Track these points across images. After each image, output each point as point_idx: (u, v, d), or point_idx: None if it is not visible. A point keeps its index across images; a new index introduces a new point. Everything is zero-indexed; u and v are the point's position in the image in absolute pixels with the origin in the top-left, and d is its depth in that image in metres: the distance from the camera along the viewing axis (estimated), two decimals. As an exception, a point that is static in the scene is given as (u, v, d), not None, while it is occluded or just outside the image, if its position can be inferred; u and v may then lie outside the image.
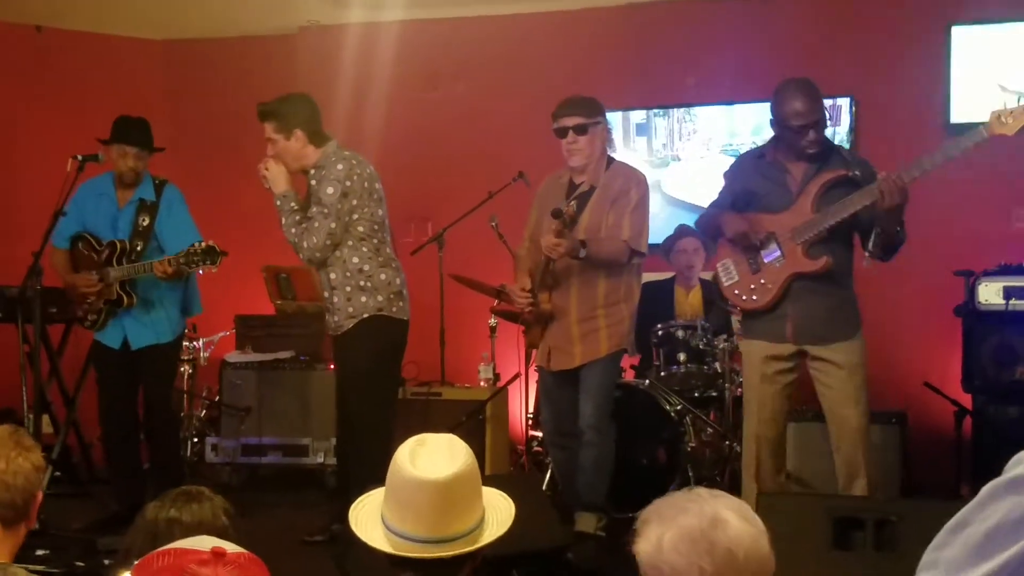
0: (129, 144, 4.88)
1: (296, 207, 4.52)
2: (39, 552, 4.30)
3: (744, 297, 4.16)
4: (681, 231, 5.86)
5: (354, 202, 4.45)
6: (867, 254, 4.03)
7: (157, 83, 7.19)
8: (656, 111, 6.46)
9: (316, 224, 4.44)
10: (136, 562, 1.51)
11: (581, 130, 4.39)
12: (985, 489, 1.26)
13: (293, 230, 4.50)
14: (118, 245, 4.85)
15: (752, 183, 4.18)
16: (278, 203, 4.54)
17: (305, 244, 4.47)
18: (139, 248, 4.86)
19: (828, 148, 4.13)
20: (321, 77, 6.43)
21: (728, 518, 1.65)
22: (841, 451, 4.07)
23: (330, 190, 4.42)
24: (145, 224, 4.88)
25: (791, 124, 3.99)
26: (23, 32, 6.83)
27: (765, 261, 4.10)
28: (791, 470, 4.58)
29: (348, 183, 4.43)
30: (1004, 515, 1.21)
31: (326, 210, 4.42)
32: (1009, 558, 1.19)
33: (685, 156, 6.41)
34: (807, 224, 4.00)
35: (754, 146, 4.95)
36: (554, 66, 6.30)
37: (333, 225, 4.43)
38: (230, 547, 1.48)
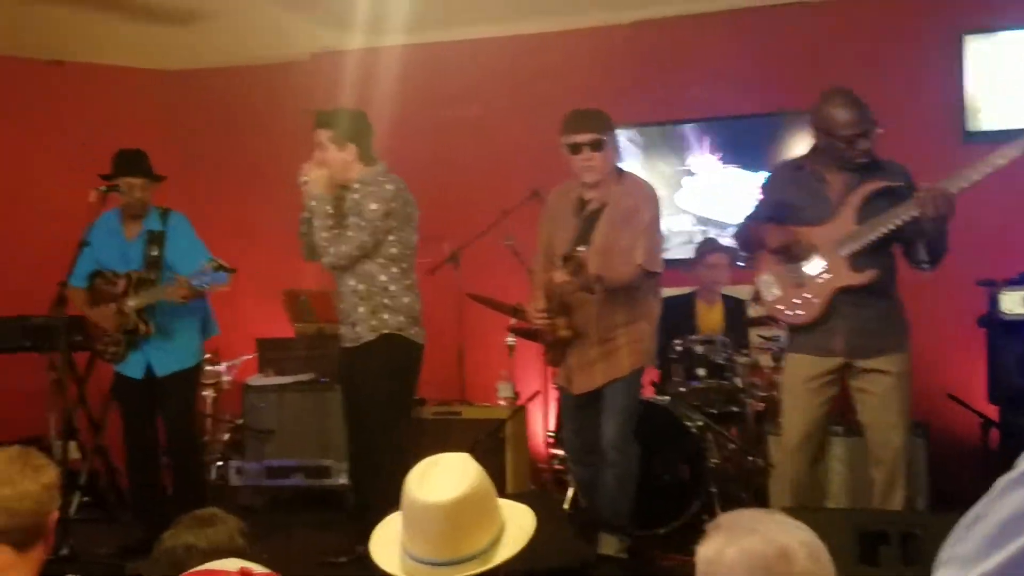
0: (135, 176, 4.95)
1: (331, 211, 4.52)
2: (68, 577, 4.33)
3: (788, 312, 4.06)
4: (711, 246, 5.81)
5: (393, 223, 4.47)
6: (924, 266, 3.94)
7: (169, 112, 7.25)
8: (667, 126, 6.47)
9: (350, 234, 4.45)
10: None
11: (597, 146, 4.32)
12: (999, 483, 1.27)
13: (324, 233, 4.48)
14: (133, 276, 4.92)
15: (788, 195, 4.09)
16: (312, 203, 4.50)
17: (332, 250, 4.46)
18: (152, 278, 4.92)
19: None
20: (335, 102, 6.46)
21: (797, 554, 1.54)
22: (883, 464, 3.97)
23: (374, 206, 4.45)
24: (155, 254, 4.95)
25: (841, 134, 3.89)
26: (41, 67, 6.91)
27: (808, 274, 4.00)
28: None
29: (393, 204, 4.46)
30: (1017, 505, 1.22)
31: (363, 223, 4.44)
32: (1021, 547, 1.20)
33: (698, 170, 6.41)
34: (851, 236, 3.92)
35: (790, 159, 4.77)
36: (564, 84, 6.32)
37: (367, 239, 4.44)
38: (256, 568, 1.49)
